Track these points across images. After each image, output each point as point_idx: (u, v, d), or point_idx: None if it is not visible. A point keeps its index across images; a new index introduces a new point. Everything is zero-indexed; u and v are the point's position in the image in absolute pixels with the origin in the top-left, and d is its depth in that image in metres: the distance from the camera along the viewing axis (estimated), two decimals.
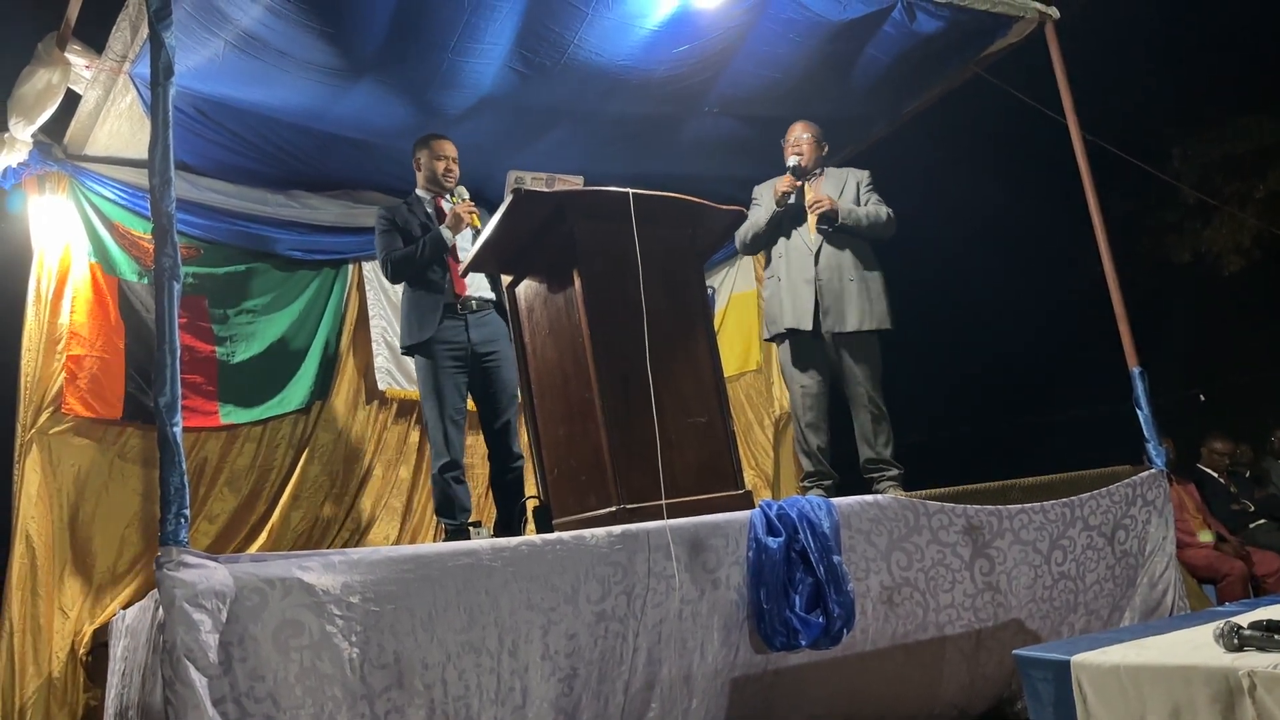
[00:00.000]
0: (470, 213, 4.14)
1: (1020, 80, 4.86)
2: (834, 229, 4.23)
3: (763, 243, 4.46)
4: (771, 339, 4.53)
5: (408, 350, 4.20)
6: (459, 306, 4.15)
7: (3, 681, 3.88)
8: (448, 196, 4.31)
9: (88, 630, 4.11)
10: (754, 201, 4.51)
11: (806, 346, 4.29)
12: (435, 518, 4.39)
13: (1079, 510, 3.74)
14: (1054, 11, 4.58)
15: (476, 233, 4.18)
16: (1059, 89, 4.51)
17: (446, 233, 4.13)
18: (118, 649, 3.26)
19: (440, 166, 4.29)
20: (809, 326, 4.20)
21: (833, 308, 4.20)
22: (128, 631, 3.13)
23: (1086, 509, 3.76)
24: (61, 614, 4.10)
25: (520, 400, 4.01)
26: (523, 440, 4.61)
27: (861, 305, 4.19)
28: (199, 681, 2.20)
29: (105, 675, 3.46)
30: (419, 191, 4.36)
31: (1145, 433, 4.12)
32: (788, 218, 4.34)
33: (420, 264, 4.13)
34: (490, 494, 4.55)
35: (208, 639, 2.24)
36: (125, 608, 3.59)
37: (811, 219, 4.29)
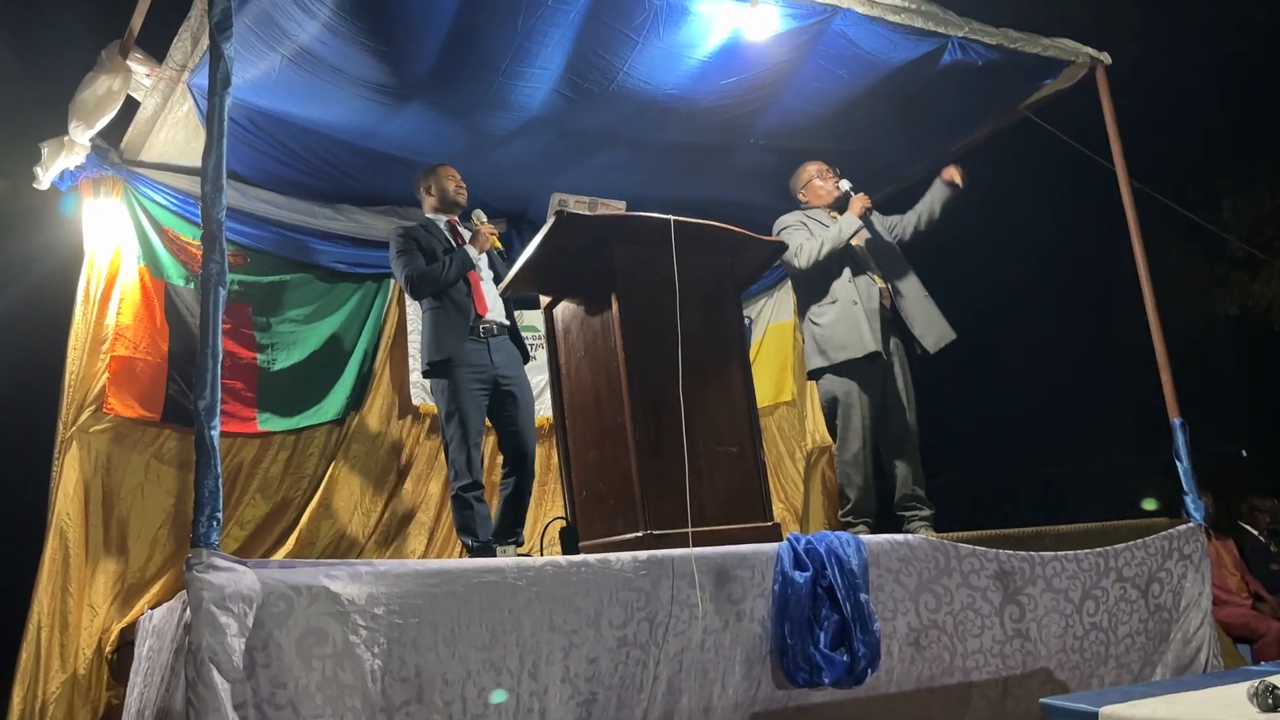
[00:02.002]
0: (492, 234, 4.22)
1: (1069, 125, 4.84)
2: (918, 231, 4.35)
3: (829, 262, 4.28)
4: (822, 369, 4.31)
5: (430, 368, 4.16)
6: (480, 329, 4.17)
7: (28, 675, 3.91)
8: (460, 219, 4.38)
9: (115, 628, 4.14)
10: (791, 228, 4.38)
11: (864, 375, 4.19)
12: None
13: (1113, 561, 3.68)
14: (1105, 57, 4.56)
15: (496, 252, 4.25)
16: (1108, 135, 4.48)
17: (472, 251, 4.18)
18: (143, 649, 3.29)
19: (451, 186, 4.36)
20: (875, 346, 4.11)
21: (895, 342, 4.25)
22: (154, 632, 3.15)
23: (1121, 560, 3.69)
24: (90, 610, 4.14)
25: (551, 420, 4.03)
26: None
27: (936, 323, 4.26)
28: (221, 685, 2.21)
29: (129, 674, 3.48)
30: (430, 215, 4.41)
31: (1184, 485, 4.04)
32: (848, 250, 4.28)
33: (445, 282, 4.16)
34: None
35: (233, 643, 2.25)
36: (153, 608, 3.63)
37: (874, 264, 4.32)
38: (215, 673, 2.21)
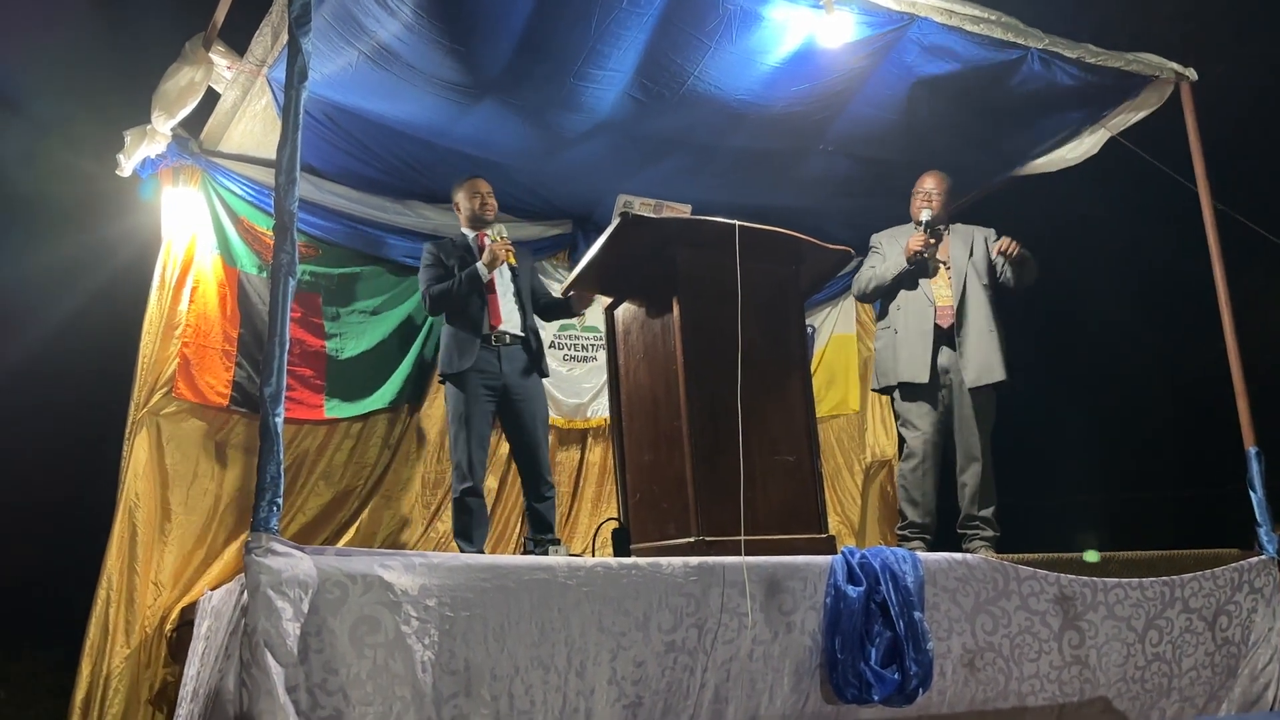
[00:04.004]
0: (506, 250, 4.27)
1: (1151, 142, 4.71)
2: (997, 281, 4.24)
3: (882, 294, 4.39)
4: (881, 390, 4.46)
5: (444, 378, 4.34)
6: (493, 339, 4.27)
7: (96, 649, 4.04)
8: (489, 233, 4.42)
9: (176, 608, 4.25)
10: (873, 249, 4.47)
11: (924, 394, 4.19)
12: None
13: (1179, 590, 3.57)
14: (1191, 73, 4.44)
15: (512, 269, 4.32)
16: (1191, 154, 4.36)
17: (482, 269, 4.25)
18: (202, 628, 3.36)
19: (476, 203, 4.45)
20: (925, 378, 4.14)
21: (956, 360, 4.15)
22: (213, 612, 3.22)
23: (1188, 590, 3.58)
24: (155, 589, 4.25)
25: (609, 422, 4.03)
26: (563, 461, 4.73)
27: (984, 359, 4.13)
28: (274, 668, 2.25)
29: (186, 653, 3.56)
30: (464, 229, 4.53)
31: (1257, 516, 3.91)
32: (914, 268, 4.27)
33: (457, 298, 4.27)
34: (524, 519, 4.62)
35: (288, 627, 2.29)
36: (213, 589, 3.71)
37: (944, 275, 4.23)
38: (269, 656, 2.25)
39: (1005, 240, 4.20)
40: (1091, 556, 3.46)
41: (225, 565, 4.42)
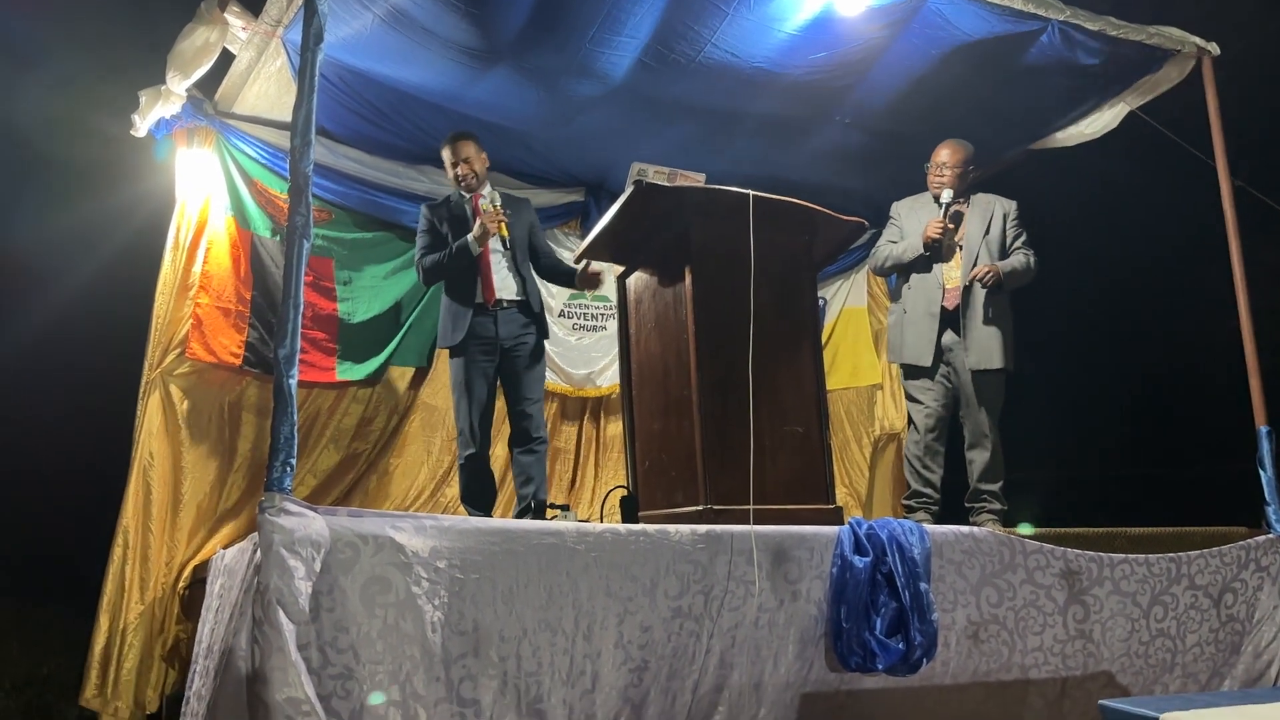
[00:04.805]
0: (497, 221, 4.17)
1: (1170, 115, 4.66)
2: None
3: (898, 271, 4.40)
4: (894, 362, 4.52)
5: (445, 348, 4.34)
6: (490, 305, 4.24)
7: (113, 604, 4.10)
8: (484, 196, 4.33)
9: (189, 565, 4.30)
10: (891, 220, 4.45)
11: (928, 375, 4.23)
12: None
13: (1185, 567, 3.58)
14: (1213, 47, 4.38)
15: (504, 240, 4.23)
16: (1211, 129, 4.31)
17: (473, 244, 4.19)
18: (214, 587, 3.40)
19: (455, 170, 4.32)
20: (928, 362, 4.18)
21: (959, 342, 4.15)
22: (225, 570, 3.26)
23: (1194, 567, 3.59)
24: (168, 547, 4.30)
25: (619, 390, 4.04)
26: (562, 434, 4.71)
27: (984, 345, 4.13)
28: (286, 626, 2.28)
29: (199, 610, 3.61)
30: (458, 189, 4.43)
31: (1266, 495, 3.91)
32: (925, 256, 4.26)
33: (448, 272, 4.25)
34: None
35: (300, 586, 2.32)
36: (226, 547, 3.75)
37: (957, 258, 4.22)
38: (281, 614, 2.28)
39: (981, 269, 4.16)
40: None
41: (238, 524, 4.48)
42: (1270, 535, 3.79)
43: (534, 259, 4.46)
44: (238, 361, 4.63)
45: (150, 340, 4.46)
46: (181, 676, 4.04)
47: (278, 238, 4.83)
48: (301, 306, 2.55)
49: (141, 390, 4.40)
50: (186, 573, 4.28)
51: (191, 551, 4.35)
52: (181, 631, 4.19)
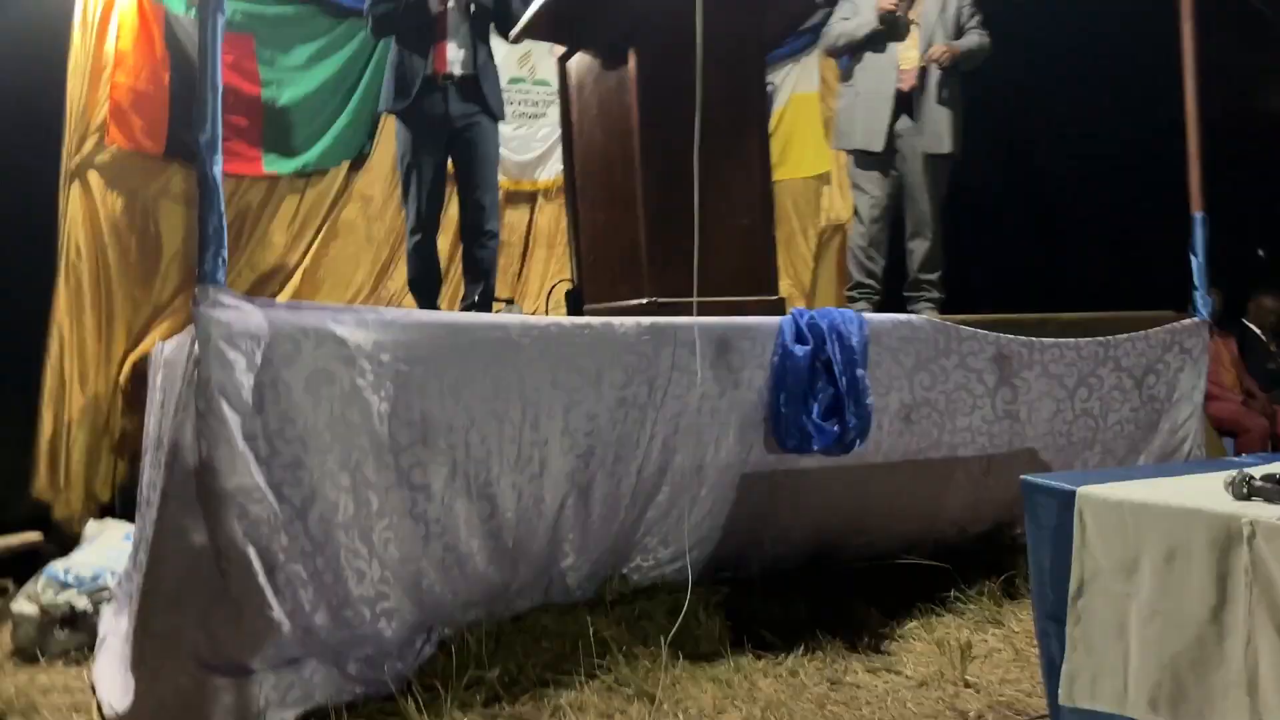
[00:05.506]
0: None
1: None
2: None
3: (851, 50, 4.25)
4: (841, 149, 4.44)
5: (387, 111, 4.13)
6: (439, 79, 3.97)
7: (54, 397, 4.09)
8: None
9: (128, 359, 4.26)
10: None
11: (878, 161, 4.19)
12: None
13: (1113, 350, 3.71)
14: None
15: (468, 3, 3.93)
16: None
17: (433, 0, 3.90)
18: (156, 379, 3.38)
19: None
20: (879, 147, 4.12)
21: (912, 127, 4.09)
22: (165, 364, 3.23)
23: (1120, 350, 3.72)
24: (104, 340, 4.24)
25: (563, 182, 3.94)
26: (506, 226, 4.55)
27: (936, 128, 4.08)
28: (231, 417, 2.28)
29: (143, 403, 3.60)
30: None
31: (1195, 280, 4.02)
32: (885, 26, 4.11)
33: (399, 26, 3.94)
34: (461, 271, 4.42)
35: (242, 379, 2.30)
36: (164, 340, 3.71)
37: (913, 38, 4.07)
38: (225, 405, 2.27)
39: (937, 49, 4.04)
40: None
41: (174, 318, 4.41)
42: (1195, 319, 3.92)
43: (506, 25, 4.01)
44: (160, 149, 4.41)
45: (66, 127, 4.22)
46: (131, 468, 4.08)
47: (193, 13, 4.49)
48: (220, 89, 2.40)
49: (61, 180, 4.21)
50: (126, 366, 4.25)
51: (130, 345, 4.30)
52: (128, 424, 4.20)
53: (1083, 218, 7.16)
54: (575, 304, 3.74)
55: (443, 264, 4.68)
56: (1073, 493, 1.84)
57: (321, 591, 2.38)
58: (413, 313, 2.70)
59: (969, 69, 4.16)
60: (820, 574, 3.26)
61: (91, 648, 2.95)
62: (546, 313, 4.37)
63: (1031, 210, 7.27)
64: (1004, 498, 3.50)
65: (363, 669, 2.48)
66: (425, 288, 4.14)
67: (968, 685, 2.65)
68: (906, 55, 4.11)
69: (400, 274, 5.05)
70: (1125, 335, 3.73)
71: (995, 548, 3.53)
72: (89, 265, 4.21)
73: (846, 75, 4.34)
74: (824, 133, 6.12)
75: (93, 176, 4.24)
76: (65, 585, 3.10)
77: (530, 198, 5.70)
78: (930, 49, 4.06)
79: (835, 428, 3.01)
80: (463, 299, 4.21)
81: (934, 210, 4.18)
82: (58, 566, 3.19)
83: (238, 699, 2.28)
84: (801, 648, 2.83)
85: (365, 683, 2.47)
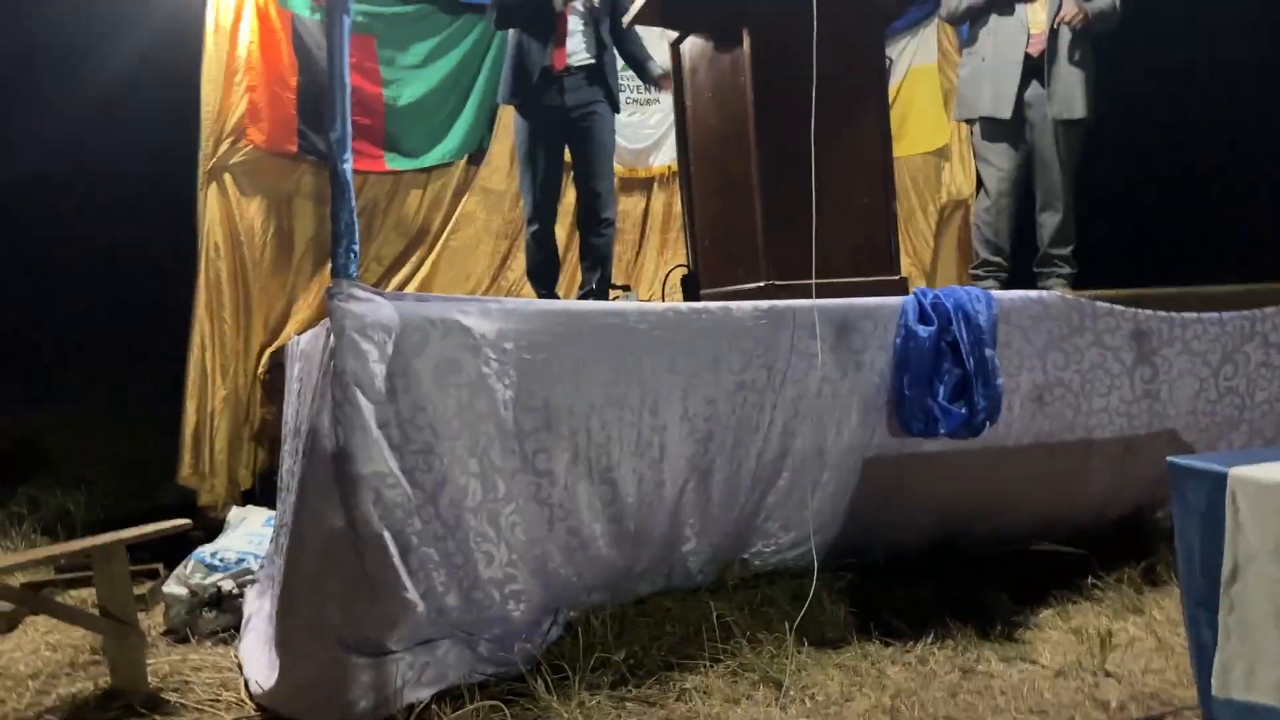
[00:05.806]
0: None
1: None
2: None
3: (974, 16, 4.08)
4: (965, 120, 4.26)
5: (505, 101, 4.14)
6: (558, 72, 3.99)
7: (197, 389, 4.32)
8: None
9: (266, 351, 4.46)
10: None
11: (1006, 131, 4.02)
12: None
13: (1260, 325, 3.50)
14: None
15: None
16: None
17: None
18: (293, 370, 3.52)
19: None
20: (1007, 114, 3.95)
21: (1041, 93, 3.92)
22: (302, 355, 3.36)
23: (1269, 324, 3.51)
24: (242, 334, 4.45)
25: (676, 166, 3.93)
26: (621, 214, 4.53)
27: (1072, 92, 3.89)
28: (365, 406, 2.36)
29: (281, 393, 3.76)
30: None
31: None
32: None
33: (522, 19, 3.97)
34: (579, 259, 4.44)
35: (375, 368, 2.38)
36: (300, 333, 3.86)
37: (1041, 1, 3.91)
38: (360, 394, 2.35)
39: (1068, 10, 3.84)
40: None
41: (308, 312, 4.59)
42: None
43: (618, 41, 4.13)
44: (294, 148, 4.59)
45: (202, 130, 4.42)
46: (271, 455, 4.28)
47: (318, 15, 4.65)
48: (349, 87, 2.48)
49: (200, 181, 4.41)
50: (265, 358, 4.45)
51: (267, 338, 4.50)
52: (267, 414, 4.40)
53: (1229, 182, 6.77)
54: (691, 289, 3.74)
55: (560, 253, 4.76)
56: (1224, 475, 1.75)
57: (453, 574, 2.44)
58: (533, 302, 2.74)
59: (1101, 30, 3.96)
60: (946, 560, 3.18)
61: (237, 628, 3.08)
62: (663, 299, 4.37)
63: (1169, 177, 6.90)
64: (1146, 480, 3.35)
65: (493, 649, 2.54)
66: (543, 276, 4.20)
67: (1108, 675, 2.55)
68: (1036, 18, 3.94)
69: (518, 264, 5.14)
70: (1273, 309, 3.51)
71: (1134, 533, 3.38)
72: (227, 263, 4.41)
73: (970, 41, 4.16)
74: (943, 105, 5.94)
75: (229, 178, 4.43)
76: (212, 569, 3.25)
77: (644, 185, 5.72)
78: (1061, 10, 3.88)
79: (963, 410, 2.93)
80: (580, 287, 4.25)
81: (1066, 181, 3.99)
82: (205, 551, 3.36)
83: (376, 677, 2.36)
84: (930, 635, 2.77)
85: (496, 663, 2.53)
